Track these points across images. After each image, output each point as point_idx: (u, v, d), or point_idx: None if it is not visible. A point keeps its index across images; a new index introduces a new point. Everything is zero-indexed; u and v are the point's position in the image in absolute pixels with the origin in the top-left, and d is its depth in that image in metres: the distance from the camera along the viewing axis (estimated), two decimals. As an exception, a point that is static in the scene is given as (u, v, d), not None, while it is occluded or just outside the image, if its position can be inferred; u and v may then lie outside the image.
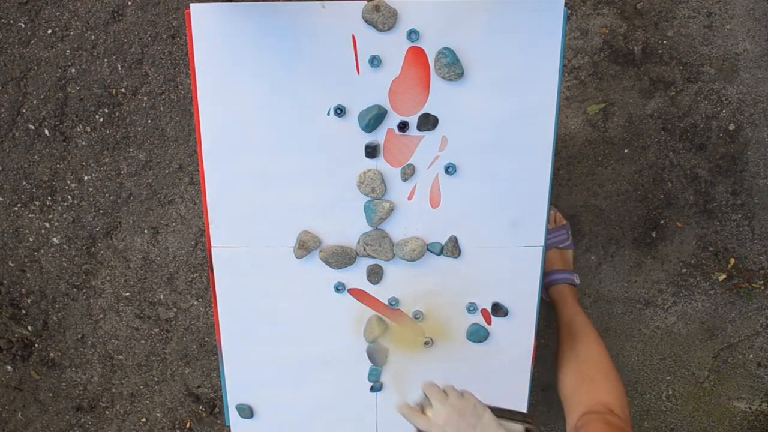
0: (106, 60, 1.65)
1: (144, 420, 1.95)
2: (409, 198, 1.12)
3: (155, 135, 1.71)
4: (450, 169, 1.09)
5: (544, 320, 1.87)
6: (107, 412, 1.95)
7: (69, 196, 1.76)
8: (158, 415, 1.95)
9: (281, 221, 1.13)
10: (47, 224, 1.78)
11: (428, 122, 1.06)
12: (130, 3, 1.63)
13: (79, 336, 1.88)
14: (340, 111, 1.06)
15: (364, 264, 1.16)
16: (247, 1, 1.03)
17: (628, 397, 1.86)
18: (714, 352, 1.89)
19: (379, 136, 1.08)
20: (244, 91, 1.06)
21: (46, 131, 1.70)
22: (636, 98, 1.71)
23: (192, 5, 1.01)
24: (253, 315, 1.20)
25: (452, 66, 1.03)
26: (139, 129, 1.71)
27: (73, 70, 1.66)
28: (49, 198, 1.75)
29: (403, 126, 1.07)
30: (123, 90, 1.67)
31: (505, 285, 1.17)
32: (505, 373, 1.23)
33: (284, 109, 1.07)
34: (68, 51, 1.64)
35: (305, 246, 1.13)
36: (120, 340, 1.88)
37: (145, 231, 1.78)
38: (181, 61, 1.66)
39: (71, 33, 1.64)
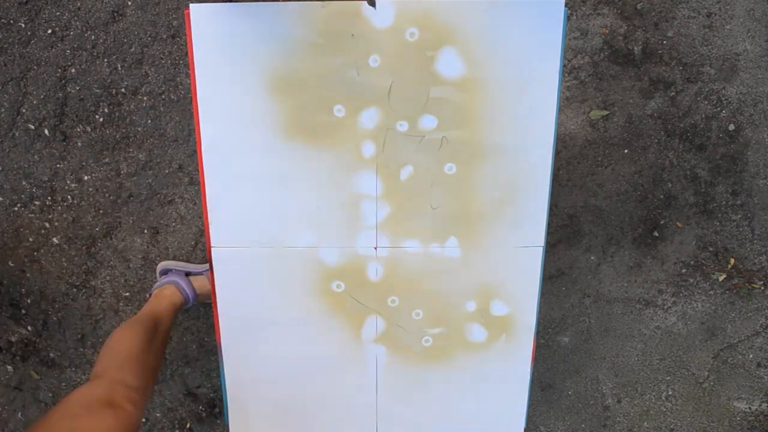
0: (106, 60, 1.65)
1: (144, 420, 1.95)
2: (409, 198, 1.12)
3: (155, 135, 1.71)
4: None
5: (544, 320, 1.87)
6: (107, 412, 1.95)
7: (69, 196, 1.76)
8: (158, 415, 1.95)
9: (281, 221, 1.13)
10: (47, 224, 1.78)
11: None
12: (130, 3, 1.63)
13: (79, 336, 1.88)
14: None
15: (364, 264, 1.16)
16: (246, 2, 1.03)
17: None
18: (714, 352, 1.89)
19: (379, 136, 1.08)
20: (243, 91, 1.06)
21: (46, 131, 1.70)
22: (636, 98, 1.71)
23: (191, 5, 1.01)
24: (253, 315, 1.20)
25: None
26: (139, 129, 1.71)
27: (73, 70, 1.66)
28: (49, 198, 1.75)
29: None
30: (123, 90, 1.67)
31: (505, 285, 1.17)
32: (505, 373, 1.24)
33: (284, 109, 1.07)
34: (68, 51, 1.64)
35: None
36: (120, 340, 1.88)
37: (145, 231, 1.78)
38: (181, 61, 1.66)
39: (71, 33, 1.64)
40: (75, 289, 1.84)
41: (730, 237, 1.79)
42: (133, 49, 1.65)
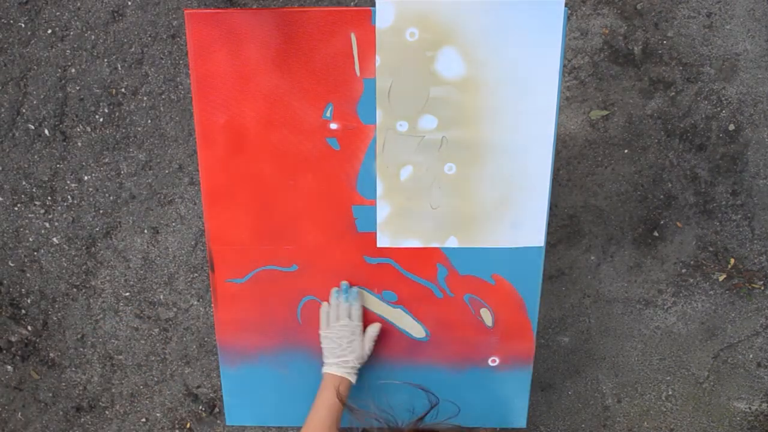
0: (106, 60, 1.65)
1: (144, 420, 1.95)
2: (409, 198, 1.12)
3: (155, 135, 1.71)
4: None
5: (544, 320, 1.87)
6: (107, 412, 1.95)
7: (69, 196, 1.76)
8: (158, 415, 1.95)
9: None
10: (47, 224, 1.78)
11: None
12: (130, 3, 1.63)
13: (79, 336, 1.88)
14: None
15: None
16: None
17: (627, 398, 1.86)
18: (714, 352, 1.89)
19: (379, 136, 1.08)
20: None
21: (46, 131, 1.70)
22: (636, 98, 1.71)
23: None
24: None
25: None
26: (139, 129, 1.71)
27: (73, 70, 1.66)
28: (49, 198, 1.75)
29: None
30: (123, 90, 1.67)
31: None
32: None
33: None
34: (68, 51, 1.64)
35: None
36: (120, 340, 1.88)
37: (145, 231, 1.78)
38: (181, 61, 1.66)
39: (71, 33, 1.64)
40: (75, 289, 1.84)
41: (730, 237, 1.79)
42: (133, 49, 1.65)
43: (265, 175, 1.10)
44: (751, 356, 1.88)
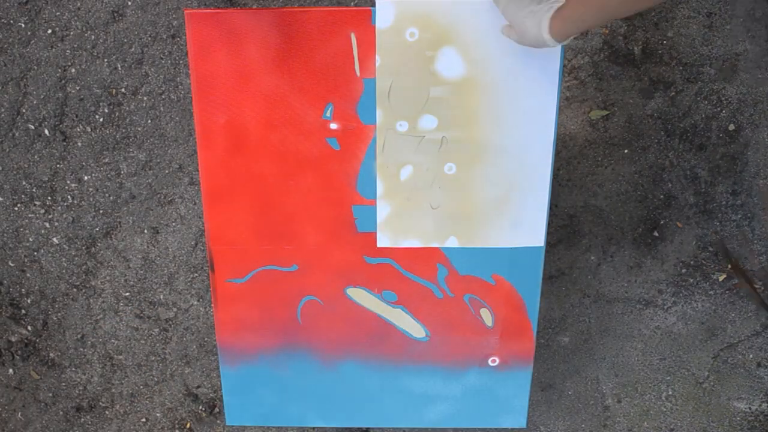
0: (106, 60, 1.65)
1: (144, 420, 1.95)
2: (409, 198, 1.12)
3: (155, 135, 1.71)
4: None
5: (544, 320, 1.87)
6: (107, 412, 1.95)
7: (69, 196, 1.76)
8: (158, 415, 1.95)
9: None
10: (47, 224, 1.78)
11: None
12: (130, 3, 1.63)
13: (79, 336, 1.88)
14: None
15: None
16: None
17: (627, 398, 1.86)
18: (714, 352, 1.89)
19: (379, 136, 1.08)
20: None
21: (46, 131, 1.70)
22: (636, 98, 1.71)
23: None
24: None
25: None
26: (139, 129, 1.71)
27: (73, 70, 1.66)
28: (49, 198, 1.76)
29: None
30: (123, 90, 1.67)
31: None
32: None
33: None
34: (68, 51, 1.64)
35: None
36: (120, 340, 1.88)
37: (145, 231, 1.78)
38: (181, 61, 1.66)
39: (71, 33, 1.64)
40: (75, 289, 1.84)
41: (730, 237, 1.79)
42: (133, 49, 1.65)
43: (265, 175, 1.10)
44: (751, 356, 1.89)
